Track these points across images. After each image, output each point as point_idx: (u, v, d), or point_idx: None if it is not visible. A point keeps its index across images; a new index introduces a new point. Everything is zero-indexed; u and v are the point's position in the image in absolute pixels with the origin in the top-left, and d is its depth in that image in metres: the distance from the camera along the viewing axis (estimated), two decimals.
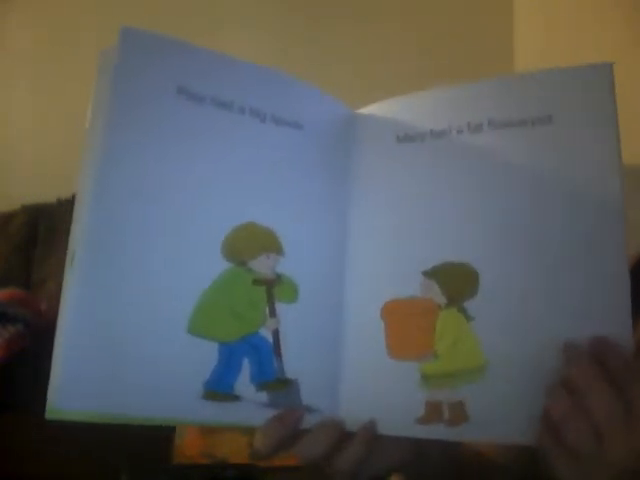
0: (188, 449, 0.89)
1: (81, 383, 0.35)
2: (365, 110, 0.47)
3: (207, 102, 0.41)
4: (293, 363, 0.41)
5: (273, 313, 0.41)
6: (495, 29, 1.41)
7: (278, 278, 0.42)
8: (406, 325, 0.42)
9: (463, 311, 0.41)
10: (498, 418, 0.39)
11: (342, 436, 0.40)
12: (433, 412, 0.41)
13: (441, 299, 0.42)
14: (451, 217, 0.43)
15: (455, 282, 0.42)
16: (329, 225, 0.45)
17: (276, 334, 0.41)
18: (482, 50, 1.38)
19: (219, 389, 0.39)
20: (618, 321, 0.38)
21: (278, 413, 0.40)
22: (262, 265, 0.41)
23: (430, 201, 0.44)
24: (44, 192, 1.28)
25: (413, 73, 1.36)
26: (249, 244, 0.41)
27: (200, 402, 0.38)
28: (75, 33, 1.38)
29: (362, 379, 0.42)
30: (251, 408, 0.40)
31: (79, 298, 0.36)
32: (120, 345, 0.37)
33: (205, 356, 0.39)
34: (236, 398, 0.39)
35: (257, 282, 0.41)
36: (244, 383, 0.39)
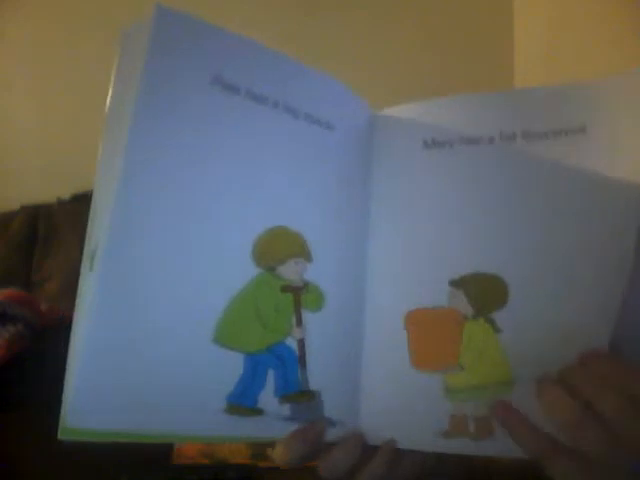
0: (188, 449, 0.89)
1: (99, 399, 0.32)
2: (388, 112, 0.46)
3: (242, 94, 0.38)
4: (316, 374, 0.40)
5: (300, 322, 0.39)
6: (495, 30, 1.41)
7: (306, 286, 0.40)
8: (431, 335, 0.42)
9: (491, 322, 0.40)
10: None
11: (365, 450, 0.40)
12: (458, 426, 0.40)
13: (468, 309, 0.41)
14: (481, 227, 0.42)
15: (484, 293, 0.41)
16: (353, 231, 0.43)
17: (302, 344, 0.39)
18: (481, 51, 1.38)
19: (243, 403, 0.37)
20: None
21: (300, 427, 0.39)
22: (291, 271, 0.39)
23: (460, 209, 0.43)
24: (44, 192, 1.28)
25: (415, 73, 1.36)
26: (280, 249, 0.39)
27: (222, 417, 0.36)
28: (75, 33, 1.38)
29: (385, 390, 0.42)
30: (273, 422, 0.38)
31: (101, 305, 0.33)
32: (141, 357, 0.34)
33: (229, 368, 0.37)
34: (259, 412, 0.38)
35: (285, 289, 0.39)
36: (268, 396, 0.38)
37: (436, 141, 0.44)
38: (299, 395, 0.39)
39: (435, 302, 0.42)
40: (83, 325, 0.33)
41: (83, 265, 0.36)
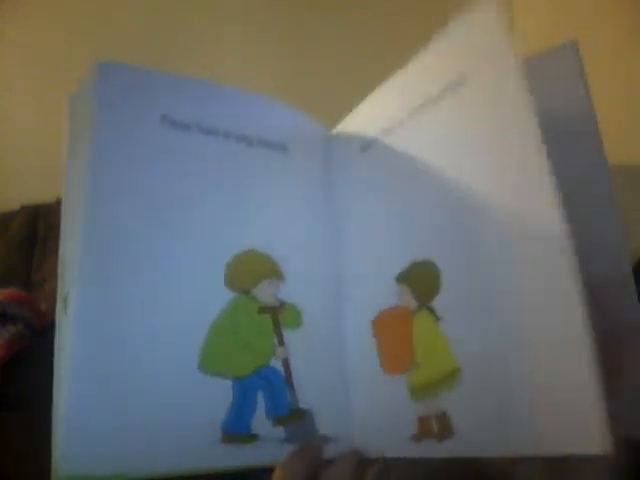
0: None
1: (90, 446, 0.32)
2: (339, 127, 0.47)
3: (192, 129, 0.40)
4: (304, 392, 0.40)
5: (281, 341, 0.40)
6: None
7: (282, 305, 0.41)
8: (389, 337, 0.41)
9: (432, 311, 0.38)
10: (481, 430, 0.35)
11: (363, 463, 0.40)
12: (424, 428, 0.38)
13: (412, 303, 0.40)
14: (410, 216, 0.41)
15: (420, 281, 0.39)
16: (321, 246, 0.44)
17: (286, 363, 0.40)
18: None
19: (237, 430, 0.37)
20: None
21: (297, 448, 0.39)
22: (264, 292, 0.40)
23: (391, 204, 0.42)
24: (44, 192, 1.27)
25: None
26: (251, 271, 0.40)
27: (219, 447, 0.36)
28: (76, 33, 1.38)
29: (368, 400, 0.41)
30: (269, 446, 0.38)
31: (80, 351, 0.33)
32: (127, 396, 0.34)
33: (219, 395, 0.37)
34: (255, 438, 0.37)
35: (262, 310, 0.40)
36: (260, 420, 0.38)
37: (366, 142, 0.44)
38: (291, 415, 0.39)
39: (393, 302, 0.41)
40: (65, 374, 0.33)
41: (58, 306, 0.37)
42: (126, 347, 0.34)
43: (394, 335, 0.41)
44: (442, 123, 0.39)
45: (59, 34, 1.40)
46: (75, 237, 0.36)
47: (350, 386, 0.42)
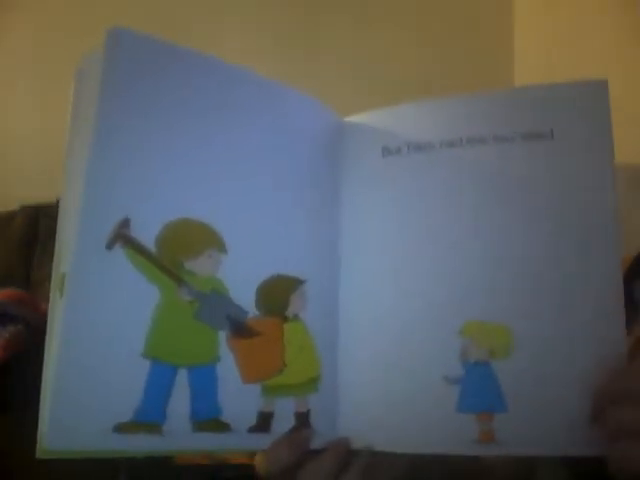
0: None
1: (73, 422, 0.33)
2: (354, 118, 0.46)
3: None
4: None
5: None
6: (495, 30, 1.41)
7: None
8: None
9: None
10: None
11: (348, 455, 0.40)
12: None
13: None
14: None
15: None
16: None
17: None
18: (481, 52, 1.38)
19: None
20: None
21: (285, 435, 0.39)
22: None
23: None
24: (44, 192, 1.27)
25: (416, 73, 1.36)
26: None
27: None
28: (76, 33, 1.38)
29: (363, 395, 0.42)
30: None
31: (69, 330, 0.34)
32: (109, 377, 0.35)
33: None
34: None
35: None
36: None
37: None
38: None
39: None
40: (54, 351, 0.34)
41: (53, 288, 0.37)
42: (110, 332, 0.35)
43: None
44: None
45: (59, 34, 1.40)
46: (72, 219, 0.36)
47: (343, 382, 0.42)
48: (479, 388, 0.39)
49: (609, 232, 0.39)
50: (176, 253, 0.38)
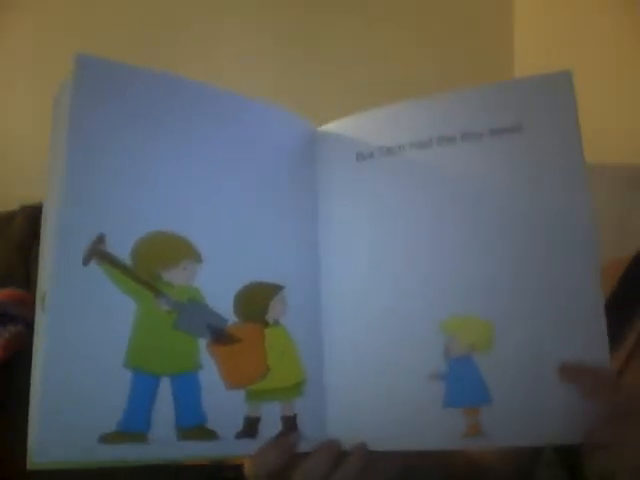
0: None
1: (60, 435, 0.34)
2: (327, 127, 0.47)
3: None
4: None
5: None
6: (495, 29, 1.41)
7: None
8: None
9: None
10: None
11: (339, 456, 0.41)
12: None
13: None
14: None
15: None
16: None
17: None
18: (482, 56, 1.38)
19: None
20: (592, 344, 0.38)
21: (272, 439, 0.40)
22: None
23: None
24: (44, 192, 1.27)
25: (415, 73, 1.36)
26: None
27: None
28: (76, 33, 1.38)
29: (352, 396, 0.43)
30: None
31: (52, 344, 0.35)
32: (93, 389, 0.36)
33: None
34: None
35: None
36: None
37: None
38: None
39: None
40: (38, 366, 0.35)
41: (37, 305, 0.38)
42: (88, 346, 0.36)
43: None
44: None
45: (59, 34, 1.40)
46: (50, 237, 0.37)
47: (330, 384, 0.43)
48: (463, 383, 0.40)
49: (585, 225, 0.39)
50: (152, 265, 0.39)
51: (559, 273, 0.39)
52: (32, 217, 1.27)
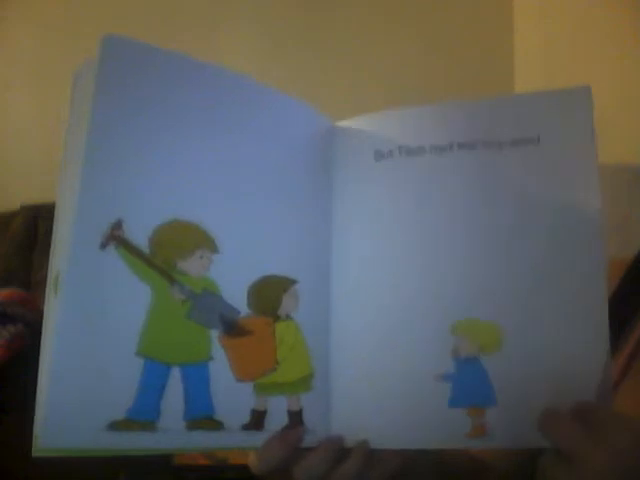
0: None
1: (69, 420, 0.34)
2: (346, 123, 0.47)
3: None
4: None
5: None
6: (495, 32, 1.41)
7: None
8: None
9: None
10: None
11: (341, 452, 0.40)
12: None
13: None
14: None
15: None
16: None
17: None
18: (481, 53, 1.38)
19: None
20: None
21: (277, 433, 0.39)
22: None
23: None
24: (44, 192, 1.28)
25: (415, 74, 1.36)
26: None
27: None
28: (75, 33, 1.38)
29: (356, 393, 0.43)
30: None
31: (65, 329, 0.34)
32: (105, 376, 0.35)
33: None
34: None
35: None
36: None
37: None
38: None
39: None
40: (48, 349, 0.35)
41: (48, 288, 0.37)
42: (105, 329, 0.36)
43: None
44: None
45: (60, 34, 1.40)
46: (68, 220, 0.37)
47: (336, 380, 0.43)
48: (470, 383, 0.40)
49: (594, 234, 0.40)
50: (168, 253, 0.38)
51: (568, 280, 0.40)
52: (32, 217, 1.27)
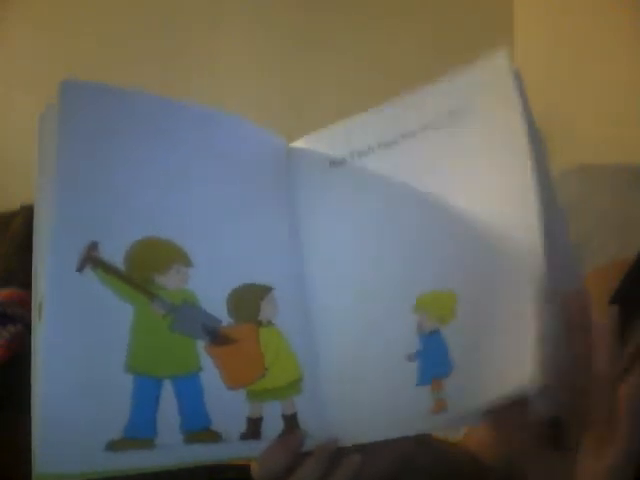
0: None
1: (65, 445, 0.34)
2: (299, 142, 0.50)
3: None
4: None
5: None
6: (495, 31, 1.41)
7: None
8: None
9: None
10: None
11: (337, 456, 0.41)
12: None
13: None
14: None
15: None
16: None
17: None
18: (480, 52, 1.38)
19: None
20: None
21: (277, 439, 0.40)
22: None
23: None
24: None
25: (415, 74, 1.36)
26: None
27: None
28: (75, 33, 1.38)
29: (350, 393, 0.43)
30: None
31: (51, 354, 0.35)
32: (96, 398, 0.36)
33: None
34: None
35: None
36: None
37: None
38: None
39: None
40: (37, 376, 0.35)
41: (33, 314, 0.38)
42: (82, 351, 0.36)
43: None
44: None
45: (60, 34, 1.41)
46: (43, 247, 0.38)
47: (327, 382, 0.43)
48: (433, 357, 0.41)
49: (529, 193, 0.40)
50: (145, 270, 0.40)
51: (506, 250, 0.40)
52: (32, 217, 1.27)
